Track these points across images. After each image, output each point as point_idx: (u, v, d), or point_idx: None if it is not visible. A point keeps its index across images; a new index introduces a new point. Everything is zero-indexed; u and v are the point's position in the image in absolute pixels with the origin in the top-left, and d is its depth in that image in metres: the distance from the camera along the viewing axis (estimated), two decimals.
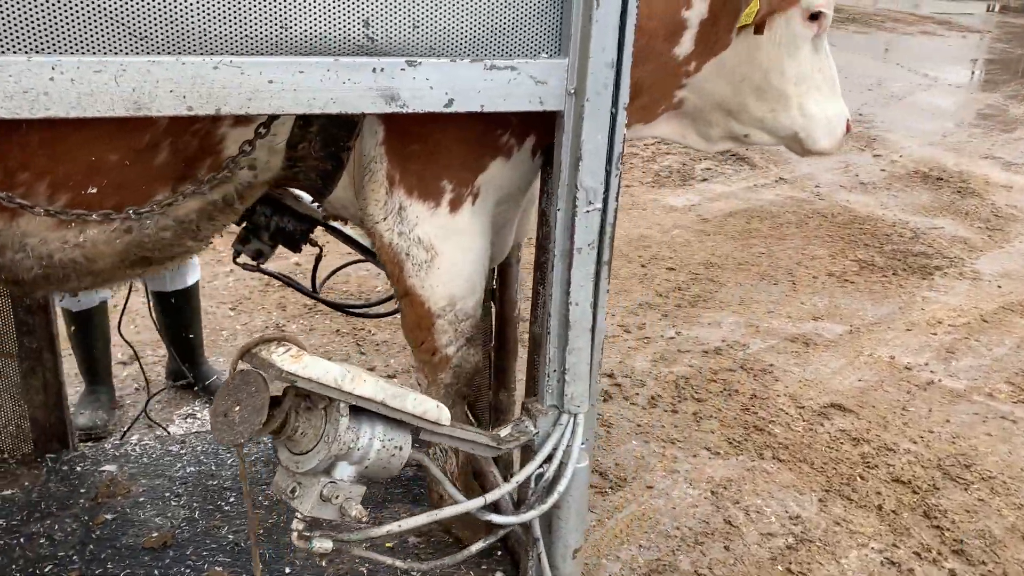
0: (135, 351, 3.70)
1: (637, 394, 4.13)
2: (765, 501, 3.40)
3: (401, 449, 1.88)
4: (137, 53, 1.63)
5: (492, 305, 3.06)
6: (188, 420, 3.78)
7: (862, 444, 3.79)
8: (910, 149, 8.56)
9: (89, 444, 3.04)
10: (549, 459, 2.20)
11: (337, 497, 1.77)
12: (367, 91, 1.84)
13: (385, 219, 2.29)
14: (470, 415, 3.22)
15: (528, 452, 2.27)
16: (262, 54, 1.76)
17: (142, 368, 3.74)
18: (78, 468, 2.86)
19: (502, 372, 3.09)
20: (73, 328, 3.64)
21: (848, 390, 4.24)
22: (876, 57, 13.66)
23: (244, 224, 2.71)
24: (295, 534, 1.79)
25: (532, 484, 2.20)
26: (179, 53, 1.66)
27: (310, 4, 1.79)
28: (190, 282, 3.83)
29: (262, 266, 2.88)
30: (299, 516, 1.78)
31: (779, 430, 3.87)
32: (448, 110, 1.91)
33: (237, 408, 1.66)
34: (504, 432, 2.20)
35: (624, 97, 2.03)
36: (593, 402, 2.31)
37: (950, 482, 3.56)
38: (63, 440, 2.96)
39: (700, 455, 3.68)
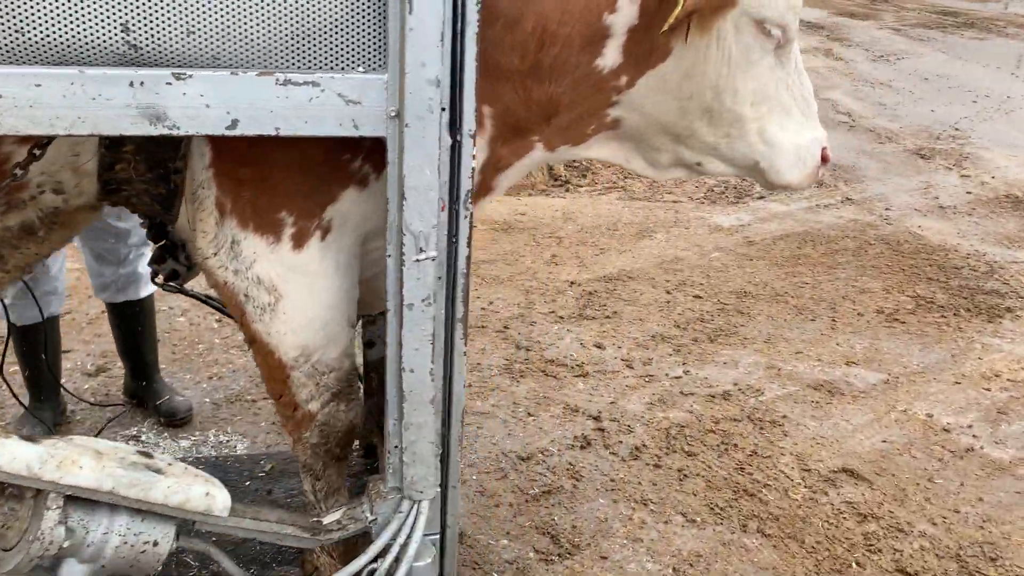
0: (56, 378, 3.54)
1: (620, 442, 3.69)
2: None
3: (157, 544, 1.55)
4: None
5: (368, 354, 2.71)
6: (129, 443, 3.57)
7: (869, 521, 3.26)
8: (1005, 170, 7.71)
9: None
10: (384, 553, 1.83)
11: None
12: (125, 109, 1.52)
13: (216, 254, 1.96)
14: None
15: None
16: None
17: (69, 392, 3.58)
18: None
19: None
20: (17, 342, 3.47)
21: (867, 452, 3.69)
22: (989, 65, 12.59)
23: (160, 243, 2.46)
24: None
25: None
26: None
27: (53, 4, 1.47)
28: (142, 294, 3.61)
29: (184, 286, 2.62)
30: None
31: (773, 497, 3.37)
32: (233, 133, 1.57)
33: None
34: (330, 518, 1.85)
35: (469, 123, 1.65)
36: (454, 484, 1.92)
37: None
38: None
39: (672, 521, 3.22)
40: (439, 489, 1.85)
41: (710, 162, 2.37)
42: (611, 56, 2.14)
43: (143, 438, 3.63)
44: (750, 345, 4.57)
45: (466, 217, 1.70)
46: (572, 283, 5.20)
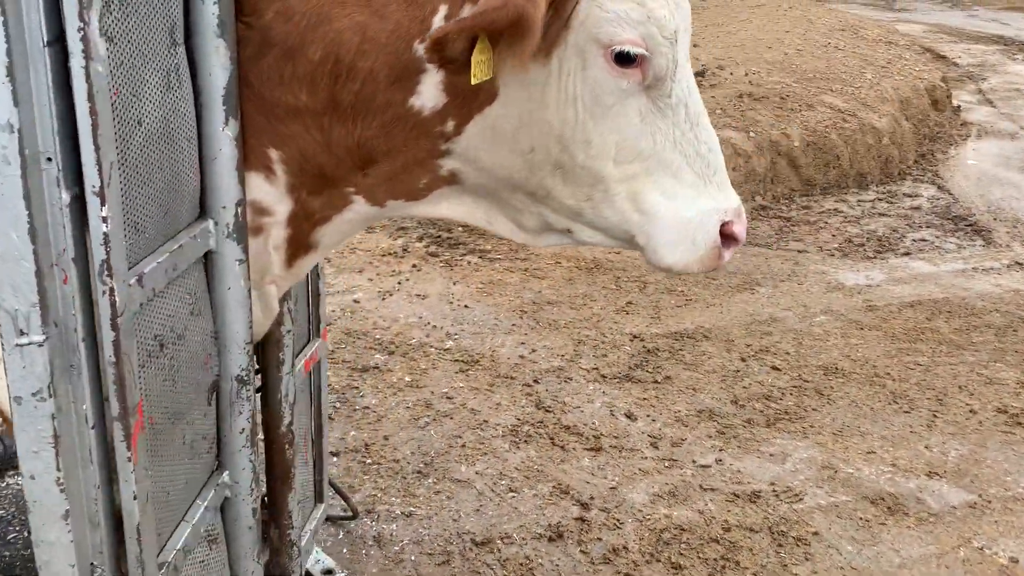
0: None
1: (599, 539, 3.15)
2: None
3: None
4: None
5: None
6: None
7: None
8: None
9: None
10: None
11: None
12: None
13: None
14: None
15: None
16: None
17: None
18: None
19: (272, 503, 2.38)
20: None
21: None
22: None
23: None
24: None
25: None
26: None
27: None
28: None
29: None
30: None
31: None
32: None
33: None
34: None
35: (92, 177, 1.29)
36: None
37: None
38: None
39: None
40: None
41: (580, 229, 1.86)
42: (429, 95, 1.70)
43: None
44: (813, 436, 3.82)
45: (105, 293, 1.34)
46: (634, 337, 4.64)
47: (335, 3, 1.69)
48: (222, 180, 1.73)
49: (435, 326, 4.70)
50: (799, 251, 5.96)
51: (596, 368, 4.34)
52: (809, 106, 7.50)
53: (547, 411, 3.96)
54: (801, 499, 3.39)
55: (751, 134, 6.92)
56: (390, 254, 5.65)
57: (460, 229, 6.05)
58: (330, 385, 4.06)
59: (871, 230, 6.35)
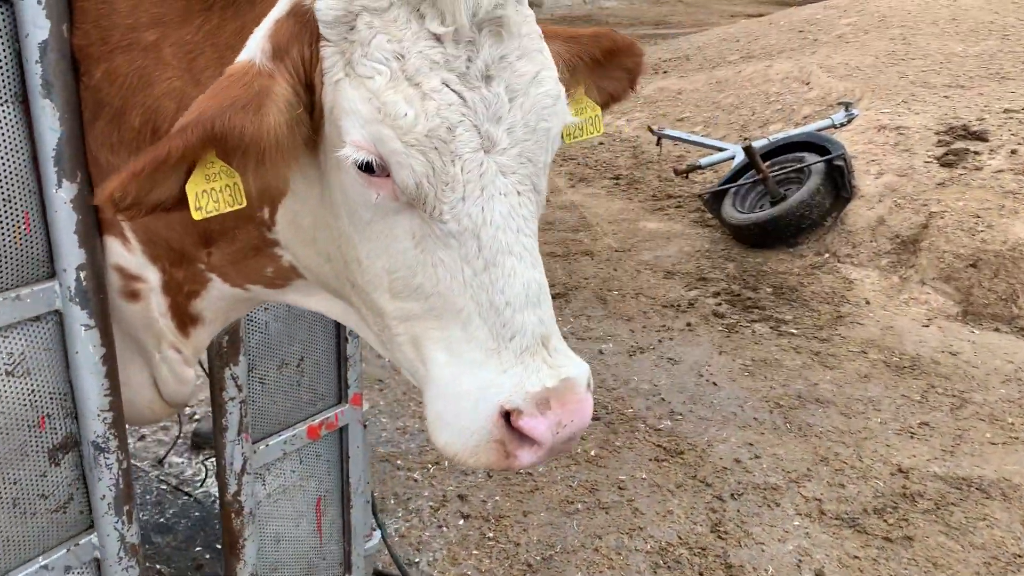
0: None
1: None
2: None
3: None
4: None
5: None
6: None
7: None
8: None
9: None
10: None
11: None
12: None
13: None
14: None
15: None
16: None
17: None
18: None
19: (226, 571, 2.26)
20: None
21: None
22: None
23: None
24: None
25: None
26: None
27: None
28: None
29: None
30: None
31: None
32: None
33: None
34: None
35: None
36: None
37: None
38: None
39: None
40: None
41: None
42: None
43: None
44: None
45: None
46: (900, 471, 3.61)
47: (158, 65, 1.49)
48: (61, 242, 1.64)
49: (662, 399, 4.17)
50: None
51: (819, 499, 3.46)
52: None
53: (720, 536, 3.25)
54: None
55: None
56: (673, 305, 5.15)
57: (768, 289, 5.30)
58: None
59: None
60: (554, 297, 5.35)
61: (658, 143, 7.28)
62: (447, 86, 1.15)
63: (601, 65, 1.56)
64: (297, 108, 1.21)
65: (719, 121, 8.49)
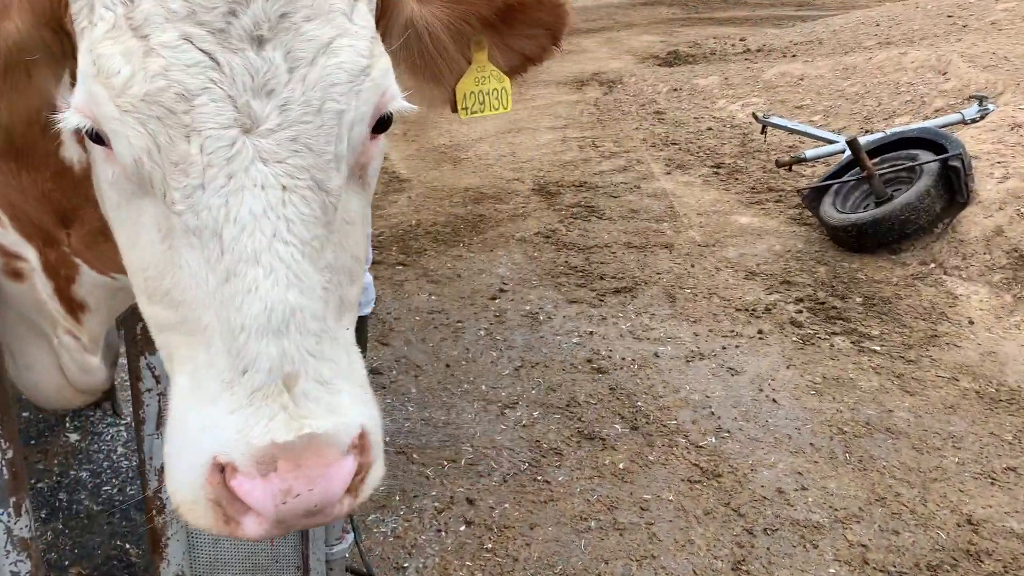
0: None
1: None
2: None
3: None
4: None
5: None
6: None
7: None
8: None
9: None
10: None
11: None
12: None
13: None
14: None
15: None
16: None
17: None
18: None
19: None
20: None
21: None
22: None
23: None
24: None
25: None
26: None
27: None
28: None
29: None
30: None
31: None
32: None
33: None
34: None
35: None
36: None
37: None
38: None
39: None
40: None
41: None
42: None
43: None
44: None
45: None
46: (968, 522, 3.14)
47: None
48: None
49: (712, 412, 3.81)
50: None
51: (865, 545, 3.05)
52: None
53: (739, 574, 2.91)
54: None
55: None
56: (748, 309, 4.74)
57: (858, 298, 4.80)
58: (539, 442, 3.59)
59: None
60: (618, 291, 5.04)
61: (763, 131, 6.78)
62: (190, 42, 0.92)
63: (504, 24, 1.30)
64: (32, 54, 1.01)
65: (841, 111, 7.85)
